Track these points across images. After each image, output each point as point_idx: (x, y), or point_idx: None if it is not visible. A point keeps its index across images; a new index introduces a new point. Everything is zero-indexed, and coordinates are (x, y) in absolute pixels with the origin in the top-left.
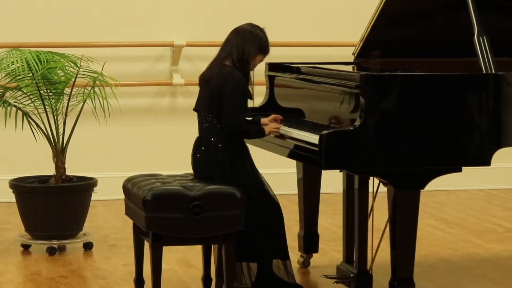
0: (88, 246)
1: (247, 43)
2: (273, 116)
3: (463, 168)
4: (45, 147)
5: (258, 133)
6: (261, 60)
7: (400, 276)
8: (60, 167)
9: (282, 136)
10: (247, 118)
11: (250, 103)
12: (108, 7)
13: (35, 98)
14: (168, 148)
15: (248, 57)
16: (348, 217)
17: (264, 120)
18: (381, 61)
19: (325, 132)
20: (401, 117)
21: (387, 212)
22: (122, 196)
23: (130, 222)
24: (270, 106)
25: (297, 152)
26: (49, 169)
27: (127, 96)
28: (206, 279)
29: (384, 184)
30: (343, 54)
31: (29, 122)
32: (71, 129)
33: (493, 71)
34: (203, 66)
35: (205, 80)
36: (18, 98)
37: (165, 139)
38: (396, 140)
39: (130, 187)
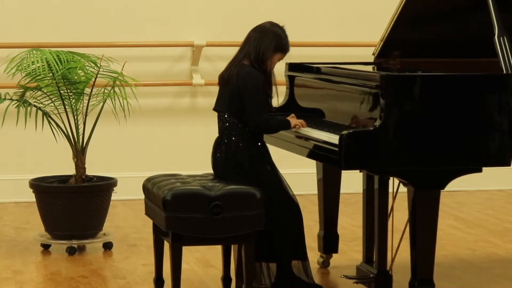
0: (108, 246)
1: (264, 40)
2: (292, 115)
3: (483, 168)
4: (65, 147)
5: (283, 126)
6: (280, 59)
7: (420, 276)
8: (80, 167)
9: (302, 136)
10: None
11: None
12: (128, 7)
13: (55, 98)
14: (188, 148)
15: (264, 55)
16: (368, 217)
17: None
18: (401, 61)
19: (345, 132)
20: (421, 117)
21: (407, 212)
22: (142, 196)
23: (150, 222)
24: (290, 106)
25: (317, 152)
26: (69, 169)
27: (147, 96)
28: (226, 279)
29: (404, 184)
30: (363, 54)
31: (49, 122)
32: (91, 129)
33: None
34: (223, 66)
35: (224, 80)
36: (38, 98)
37: (185, 139)
38: (416, 141)
39: (150, 187)
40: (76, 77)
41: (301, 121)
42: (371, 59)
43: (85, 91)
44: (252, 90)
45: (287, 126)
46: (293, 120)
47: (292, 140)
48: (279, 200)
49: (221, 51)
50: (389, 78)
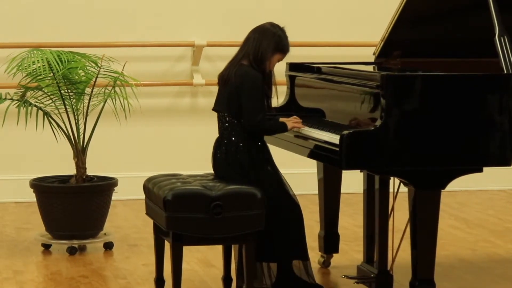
0: (108, 246)
1: (263, 41)
2: (293, 117)
3: (484, 168)
4: (66, 147)
5: (280, 128)
6: (280, 59)
7: (421, 276)
8: (81, 167)
9: (302, 136)
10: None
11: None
12: (129, 7)
13: (56, 98)
14: (188, 148)
15: (262, 56)
16: (368, 217)
17: (283, 120)
18: (402, 61)
19: (345, 132)
20: (422, 117)
21: (408, 212)
22: (143, 196)
23: (150, 222)
24: (291, 106)
25: (318, 152)
26: (70, 169)
27: (147, 96)
28: (227, 279)
29: (405, 184)
30: (364, 54)
31: (49, 122)
32: (92, 129)
33: None
34: (223, 66)
35: (223, 80)
36: (39, 98)
37: (185, 139)
38: (417, 141)
39: (150, 187)
40: (76, 77)
41: (298, 123)
42: (372, 59)
43: (85, 91)
44: (249, 89)
45: (284, 129)
46: (289, 123)
47: (292, 140)
48: (280, 200)
49: (222, 51)
50: (390, 78)
